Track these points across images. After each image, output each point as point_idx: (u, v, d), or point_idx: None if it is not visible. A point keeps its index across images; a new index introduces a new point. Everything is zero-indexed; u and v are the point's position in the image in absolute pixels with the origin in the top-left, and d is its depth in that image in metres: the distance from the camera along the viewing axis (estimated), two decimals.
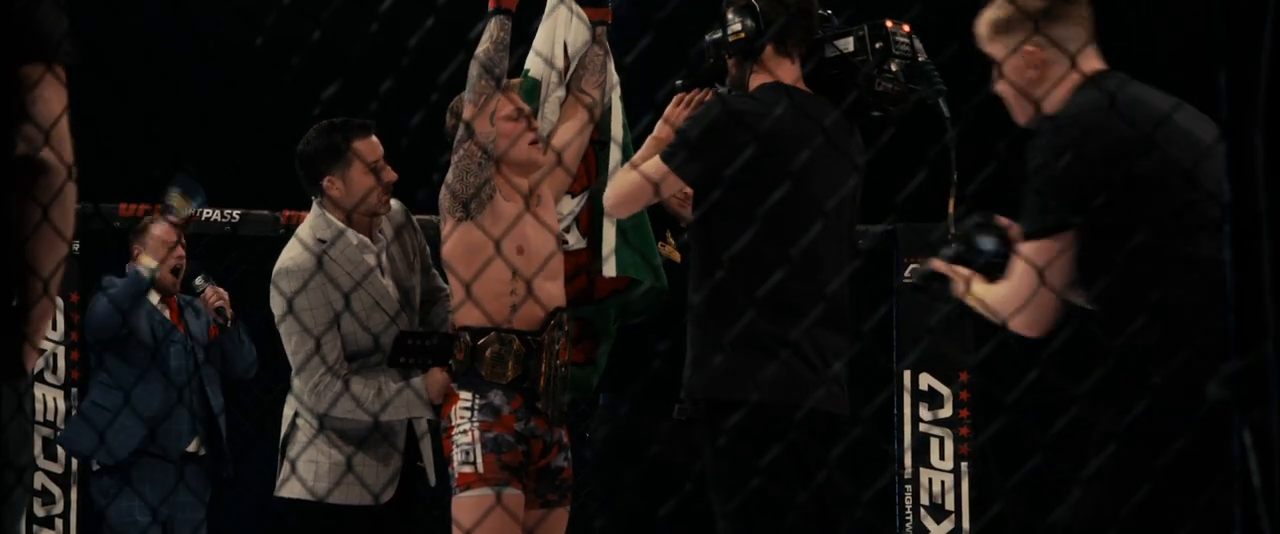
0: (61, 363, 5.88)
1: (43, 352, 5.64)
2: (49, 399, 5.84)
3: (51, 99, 2.23)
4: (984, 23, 3.14)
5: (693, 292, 3.87)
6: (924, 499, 6.05)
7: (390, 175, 4.32)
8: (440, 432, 4.17)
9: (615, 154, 4.35)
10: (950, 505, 6.05)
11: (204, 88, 6.55)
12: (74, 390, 5.87)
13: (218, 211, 5.85)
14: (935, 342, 5.94)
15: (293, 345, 4.23)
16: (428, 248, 4.47)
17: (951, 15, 3.22)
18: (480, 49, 4.12)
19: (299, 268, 4.21)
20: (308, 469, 4.23)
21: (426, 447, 4.35)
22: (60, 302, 5.71)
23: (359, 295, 4.22)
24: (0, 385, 2.23)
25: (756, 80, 3.93)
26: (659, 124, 4.12)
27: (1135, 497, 2.77)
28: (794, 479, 3.73)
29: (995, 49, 3.11)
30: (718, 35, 3.98)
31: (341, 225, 4.29)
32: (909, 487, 6.05)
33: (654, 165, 3.86)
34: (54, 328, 5.82)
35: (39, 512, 5.82)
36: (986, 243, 3.15)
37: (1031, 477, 2.80)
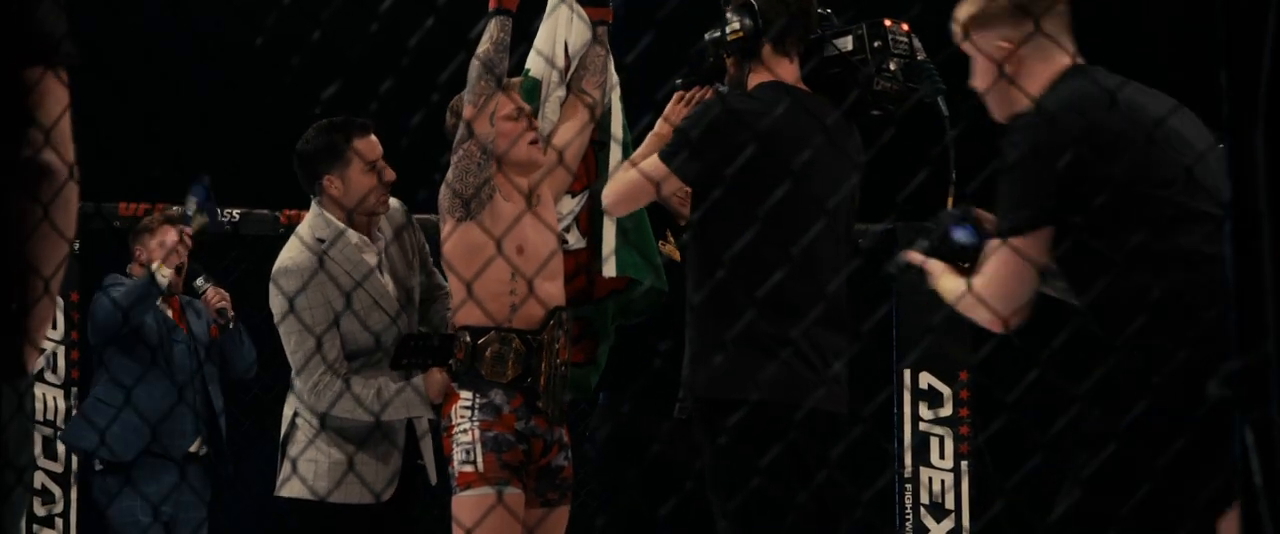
0: (61, 362, 5.88)
1: (43, 351, 5.64)
2: (49, 398, 5.84)
3: (53, 99, 2.23)
4: (959, 18, 3.13)
5: (691, 291, 3.87)
6: (924, 498, 6.06)
7: (389, 175, 4.32)
8: (440, 431, 4.17)
9: (615, 153, 4.35)
10: (950, 504, 6.05)
11: (204, 87, 6.54)
12: (74, 390, 5.87)
13: (219, 211, 5.85)
14: (936, 341, 5.94)
15: (292, 345, 4.23)
16: (427, 246, 4.47)
17: (951, 14, 3.22)
18: (480, 49, 4.13)
19: (298, 267, 4.22)
20: (308, 468, 4.23)
21: (427, 446, 4.35)
22: (60, 301, 5.71)
23: (358, 294, 4.23)
24: (1, 385, 2.23)
25: (755, 79, 3.93)
26: (659, 122, 4.12)
27: (1124, 491, 2.76)
28: (794, 479, 3.72)
29: (970, 46, 3.10)
30: (717, 34, 3.98)
31: (341, 225, 4.29)
32: (909, 486, 6.05)
33: (653, 164, 3.86)
34: (54, 327, 5.82)
35: (39, 511, 5.82)
36: (961, 235, 3.13)
37: (1031, 476, 2.79)
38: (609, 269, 4.32)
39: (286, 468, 4.28)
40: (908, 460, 6.05)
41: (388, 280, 4.32)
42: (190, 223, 5.41)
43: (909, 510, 6.05)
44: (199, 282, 5.72)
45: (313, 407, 4.22)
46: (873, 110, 3.96)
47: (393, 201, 4.38)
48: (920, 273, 3.22)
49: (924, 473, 6.06)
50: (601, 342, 4.46)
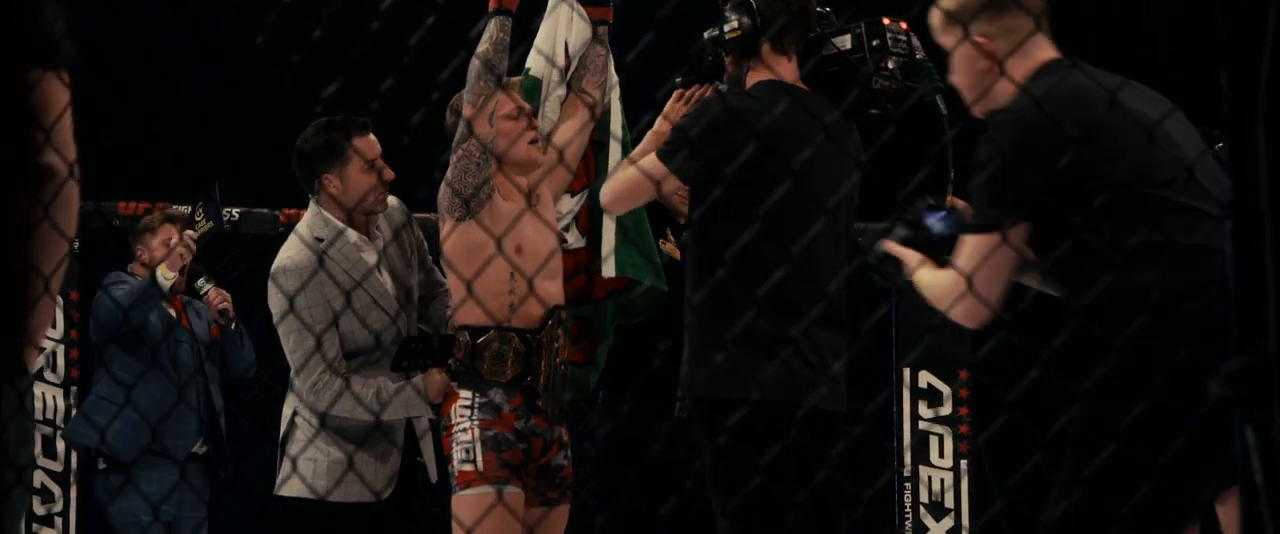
0: (61, 361, 5.88)
1: (42, 350, 5.64)
2: (48, 397, 5.84)
3: (54, 99, 2.24)
4: (936, 13, 3.12)
5: (690, 289, 3.87)
6: (924, 497, 6.06)
7: (388, 174, 4.32)
8: (440, 430, 4.17)
9: (615, 151, 4.35)
10: (950, 503, 6.05)
11: (204, 86, 6.54)
12: (74, 389, 5.87)
13: (224, 216, 5.85)
14: (935, 340, 5.94)
15: (291, 344, 4.23)
16: (425, 243, 4.47)
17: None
18: (480, 49, 4.13)
19: (296, 267, 4.21)
20: (307, 467, 4.23)
21: (427, 444, 4.35)
22: (59, 300, 5.71)
23: (357, 293, 4.23)
24: (1, 384, 2.23)
25: (754, 78, 3.93)
26: (659, 120, 4.12)
27: (1119, 490, 2.75)
28: (794, 478, 3.72)
29: (947, 40, 3.09)
30: (715, 33, 3.98)
31: (339, 224, 4.29)
32: (908, 485, 6.05)
33: (651, 162, 3.86)
34: (53, 326, 5.82)
35: (39, 510, 5.82)
36: (936, 225, 3.12)
37: (1031, 476, 2.79)
38: (608, 269, 4.32)
39: (286, 467, 4.27)
40: (907, 459, 6.05)
41: (386, 279, 4.32)
42: (195, 226, 5.42)
43: (908, 509, 6.05)
44: (201, 282, 5.72)
45: (312, 406, 4.22)
46: (871, 109, 3.96)
47: (391, 200, 4.38)
48: (897, 263, 3.20)
49: (923, 472, 6.06)
50: (600, 342, 4.46)
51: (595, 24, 4.35)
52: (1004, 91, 2.97)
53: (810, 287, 3.76)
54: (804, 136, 3.76)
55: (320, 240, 4.25)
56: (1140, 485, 2.69)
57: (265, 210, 5.99)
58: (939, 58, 3.90)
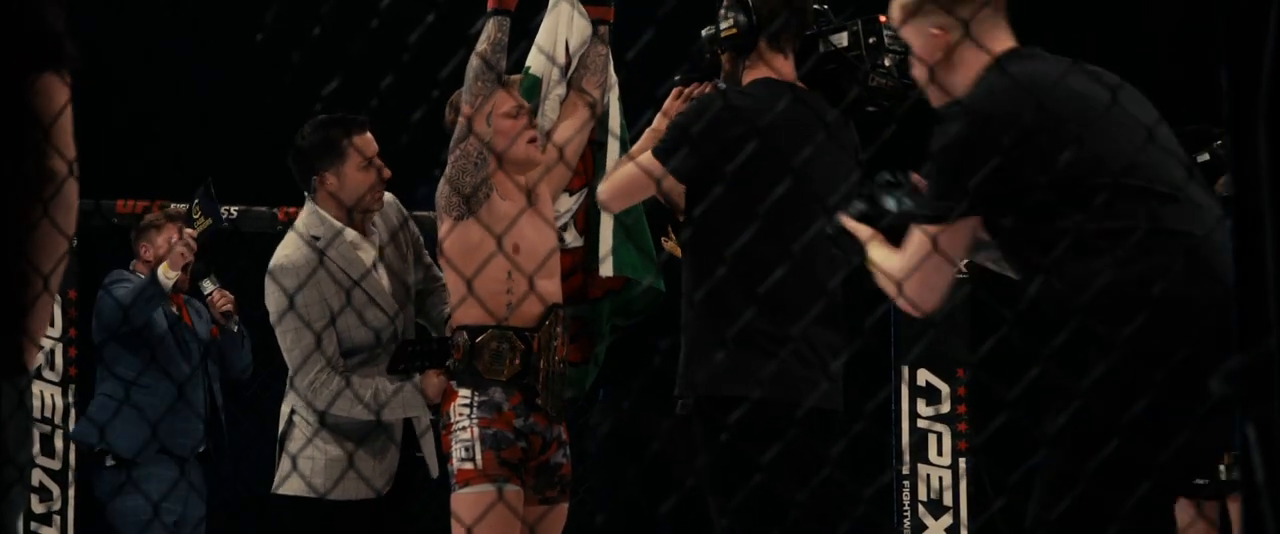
0: (59, 359, 5.88)
1: (41, 348, 5.64)
2: (47, 395, 5.83)
3: (54, 99, 2.24)
4: (895, 6, 3.11)
5: (688, 287, 3.87)
6: (922, 495, 6.06)
7: (385, 172, 4.31)
8: (439, 428, 4.17)
9: (613, 148, 4.35)
10: (948, 501, 6.05)
11: (203, 84, 6.54)
12: (72, 387, 5.87)
13: (222, 213, 5.85)
14: (934, 338, 5.94)
15: (288, 342, 4.23)
16: (421, 238, 4.46)
17: None
18: (478, 48, 4.12)
19: (293, 265, 4.21)
20: (306, 465, 4.23)
21: (428, 441, 4.35)
22: (58, 298, 5.70)
23: (354, 292, 4.22)
24: (1, 382, 2.23)
25: (750, 75, 3.93)
26: (658, 117, 4.12)
27: (1104, 480, 2.73)
28: (793, 477, 3.72)
29: (906, 32, 3.08)
30: (712, 31, 3.98)
31: (336, 222, 4.29)
32: (907, 483, 6.05)
33: (648, 160, 3.86)
34: (52, 324, 5.81)
35: (37, 508, 5.82)
36: (891, 203, 3.10)
37: (1030, 475, 2.79)
38: (606, 269, 4.32)
39: (285, 465, 4.27)
40: (906, 457, 6.05)
41: (384, 277, 4.32)
42: (194, 225, 5.41)
43: (907, 507, 6.05)
44: (205, 283, 5.72)
45: (310, 404, 4.22)
46: (868, 107, 3.96)
47: (387, 197, 4.38)
48: (853, 238, 3.18)
49: (922, 470, 6.06)
50: (597, 341, 4.46)
51: (596, 23, 4.35)
52: (961, 83, 2.96)
53: (808, 285, 3.76)
54: (802, 134, 3.76)
55: (317, 239, 4.25)
56: (1115, 474, 2.68)
57: (264, 208, 5.99)
58: None
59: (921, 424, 6.08)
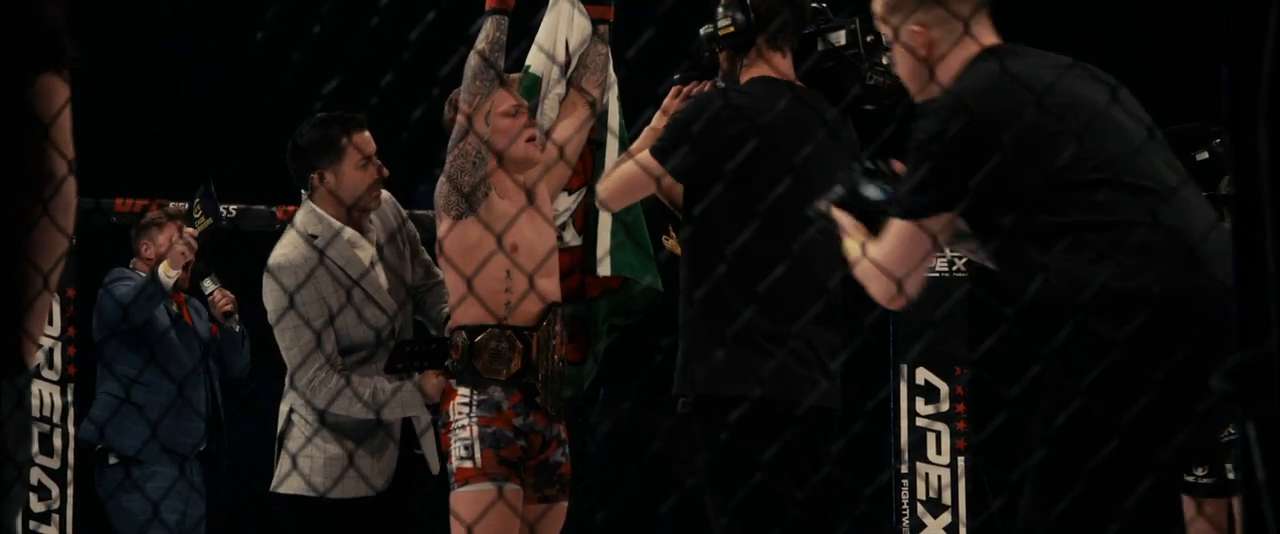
0: (58, 358, 5.88)
1: (40, 346, 5.64)
2: (46, 394, 5.83)
3: (54, 98, 2.24)
4: (877, 3, 3.11)
5: (685, 285, 3.87)
6: (921, 494, 6.06)
7: (382, 171, 4.31)
8: (439, 426, 4.17)
9: (612, 147, 4.35)
10: (947, 500, 6.05)
11: (203, 83, 6.54)
12: (71, 385, 5.87)
13: (222, 212, 5.85)
14: (933, 336, 5.94)
15: (287, 341, 4.23)
16: (417, 234, 4.47)
17: None
18: (477, 47, 4.12)
19: (291, 264, 4.21)
20: (305, 464, 4.23)
21: (428, 439, 4.35)
22: (57, 296, 5.70)
23: (353, 291, 4.22)
24: (0, 380, 2.23)
25: (748, 74, 3.93)
26: (657, 115, 4.12)
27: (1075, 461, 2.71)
28: (792, 475, 3.72)
29: (887, 29, 3.08)
30: (710, 29, 3.98)
31: (333, 220, 4.29)
32: (906, 481, 6.05)
33: (647, 158, 3.86)
34: (50, 323, 5.81)
35: (36, 507, 5.82)
36: (871, 191, 3.09)
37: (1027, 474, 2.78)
38: (604, 269, 4.32)
39: (284, 464, 4.27)
40: (905, 456, 6.05)
41: (382, 275, 4.32)
42: (194, 224, 5.41)
43: (906, 506, 6.05)
44: (206, 283, 5.73)
45: (310, 402, 4.22)
46: (867, 105, 3.96)
47: (384, 195, 4.38)
48: (833, 223, 3.18)
49: (921, 468, 6.06)
50: (595, 341, 4.46)
51: (596, 22, 4.35)
52: (942, 79, 2.96)
53: (807, 284, 3.76)
54: (801, 133, 3.76)
55: (315, 237, 4.25)
56: (1104, 471, 2.67)
57: (263, 207, 5.99)
58: None
59: (920, 423, 6.08)
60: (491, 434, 4.05)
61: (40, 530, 5.85)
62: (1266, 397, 1.60)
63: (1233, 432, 3.37)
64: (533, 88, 4.34)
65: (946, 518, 6.04)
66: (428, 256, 4.46)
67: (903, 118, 2.90)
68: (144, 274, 5.63)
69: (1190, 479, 4.81)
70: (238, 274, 5.74)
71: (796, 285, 3.74)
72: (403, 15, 2.72)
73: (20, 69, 2.22)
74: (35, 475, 5.81)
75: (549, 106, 4.36)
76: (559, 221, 4.36)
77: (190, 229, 5.43)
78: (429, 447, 4.35)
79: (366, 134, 4.31)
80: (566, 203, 4.40)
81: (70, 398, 5.85)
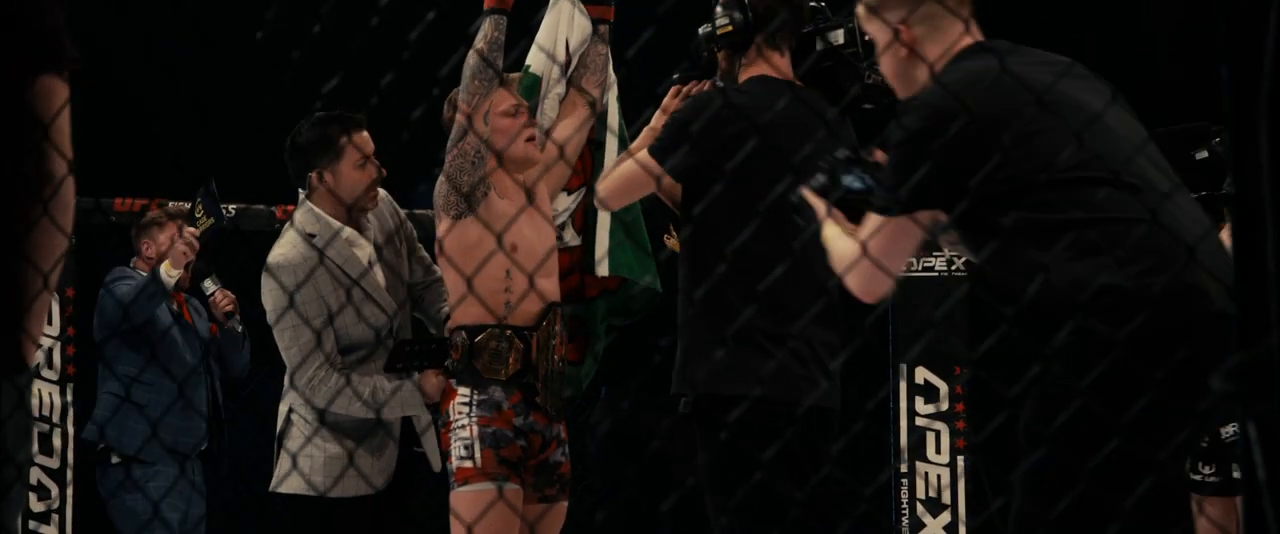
0: (57, 357, 5.88)
1: (40, 346, 5.64)
2: (45, 393, 5.83)
3: (54, 98, 2.24)
4: (861, 3, 3.11)
5: (684, 285, 3.87)
6: (921, 493, 6.06)
7: (380, 171, 4.31)
8: (439, 426, 4.18)
9: (612, 145, 4.35)
10: (947, 499, 6.05)
11: (203, 83, 6.54)
12: (71, 385, 5.87)
13: (223, 212, 5.85)
14: (933, 336, 5.94)
15: (286, 340, 4.23)
16: (414, 233, 4.47)
17: None
18: (475, 46, 4.12)
19: (290, 263, 4.21)
20: (304, 463, 4.23)
21: (429, 438, 4.35)
22: (56, 296, 5.70)
23: (352, 290, 4.22)
24: (0, 380, 2.23)
25: (746, 73, 3.93)
26: (656, 115, 4.12)
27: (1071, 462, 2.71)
28: (791, 475, 3.72)
29: (871, 27, 3.08)
30: (708, 29, 3.98)
31: (331, 219, 4.29)
32: (906, 481, 6.05)
33: (646, 158, 3.86)
34: (49, 322, 5.81)
35: (36, 507, 5.81)
36: (850, 180, 3.08)
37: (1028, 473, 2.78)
38: (603, 269, 4.32)
39: (284, 464, 4.27)
40: (904, 456, 6.05)
41: (380, 274, 4.32)
42: (196, 224, 5.42)
43: (906, 505, 6.05)
44: (207, 283, 5.73)
45: (309, 401, 4.22)
46: (865, 104, 3.96)
47: (381, 194, 4.38)
48: (812, 210, 3.17)
49: (920, 467, 6.06)
50: (593, 341, 4.46)
51: (596, 22, 4.35)
52: (925, 77, 2.96)
53: (807, 284, 3.76)
54: (800, 132, 3.76)
55: (313, 236, 4.25)
56: (1090, 470, 2.66)
57: (262, 207, 5.99)
58: None
59: (920, 422, 6.08)
60: (491, 434, 4.05)
61: (40, 530, 5.85)
62: (1267, 396, 1.60)
63: (1236, 431, 3.37)
64: (533, 87, 4.34)
65: (946, 517, 6.04)
66: (425, 254, 4.46)
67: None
68: (145, 273, 5.63)
69: (1196, 478, 4.82)
70: (237, 274, 5.74)
71: (796, 285, 3.74)
72: (403, 15, 2.72)
73: (20, 70, 2.22)
74: (35, 475, 5.81)
75: (549, 106, 4.36)
76: (558, 221, 4.36)
77: (192, 229, 5.43)
78: (430, 445, 4.35)
79: (365, 134, 4.31)
80: (566, 203, 4.40)
81: (70, 398, 5.85)
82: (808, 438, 3.74)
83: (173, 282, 5.47)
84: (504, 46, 4.12)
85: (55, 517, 5.86)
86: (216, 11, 6.51)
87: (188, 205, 5.56)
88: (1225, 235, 2.30)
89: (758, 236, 3.63)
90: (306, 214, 4.29)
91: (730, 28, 3.90)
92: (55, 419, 5.83)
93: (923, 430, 6.07)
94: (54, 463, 5.86)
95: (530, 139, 4.18)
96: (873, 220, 2.91)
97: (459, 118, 4.10)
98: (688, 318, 3.85)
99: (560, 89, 4.37)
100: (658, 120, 4.10)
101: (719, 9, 3.93)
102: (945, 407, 6.07)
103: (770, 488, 3.69)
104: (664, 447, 4.70)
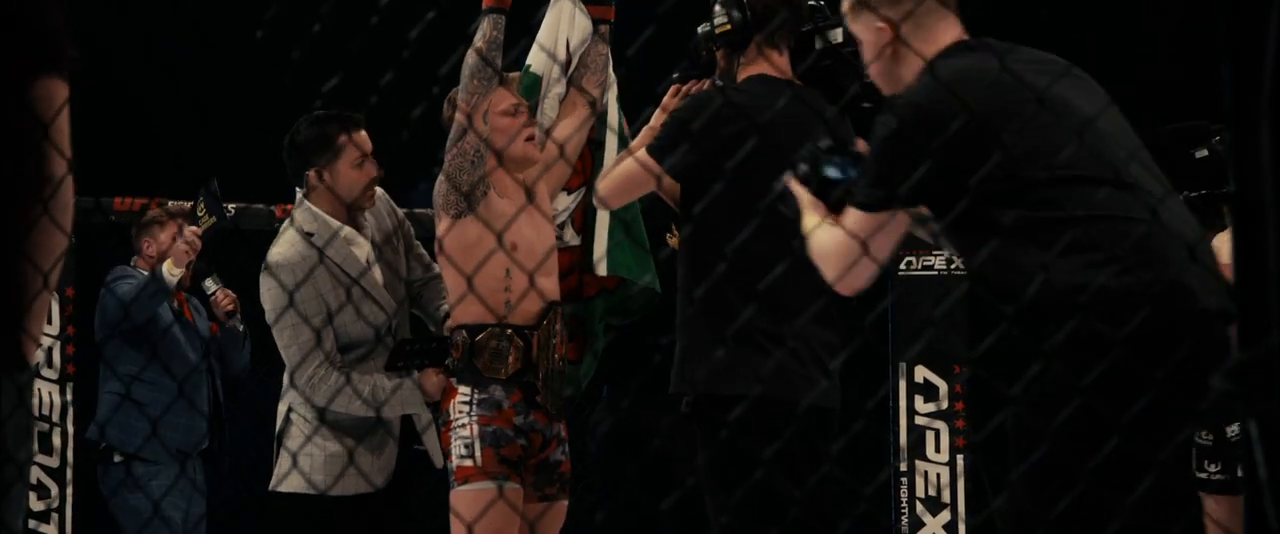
0: (57, 357, 5.88)
1: (40, 345, 5.64)
2: (45, 393, 5.83)
3: (54, 98, 2.24)
4: (844, 2, 3.11)
5: (683, 283, 3.87)
6: (920, 492, 6.06)
7: (376, 171, 4.31)
8: (439, 425, 4.18)
9: (611, 144, 4.35)
10: (947, 498, 6.05)
11: (203, 82, 6.54)
12: (70, 385, 5.86)
13: (225, 211, 5.85)
14: (932, 335, 5.94)
15: (285, 339, 4.23)
16: (412, 229, 4.47)
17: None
18: (474, 45, 4.11)
19: (289, 262, 4.21)
20: (305, 462, 4.23)
21: (430, 437, 4.35)
22: (56, 296, 5.70)
23: (350, 288, 4.22)
24: (0, 378, 2.23)
25: (745, 72, 3.93)
26: (655, 114, 4.12)
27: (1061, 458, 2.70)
28: (791, 474, 3.72)
29: (855, 27, 3.08)
30: (706, 28, 3.98)
31: (328, 218, 4.29)
32: (905, 479, 6.05)
33: (645, 157, 3.86)
34: (49, 322, 5.81)
35: (35, 506, 5.82)
36: (831, 170, 3.08)
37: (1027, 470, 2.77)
38: (601, 269, 4.32)
39: (284, 463, 4.27)
40: (904, 454, 6.05)
41: (378, 272, 4.32)
42: (198, 222, 5.42)
43: (905, 504, 6.05)
44: (208, 282, 5.73)
45: (309, 400, 4.22)
46: (864, 103, 3.96)
47: (377, 192, 4.38)
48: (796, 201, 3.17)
49: (920, 467, 6.06)
50: (591, 341, 4.46)
51: (596, 22, 4.35)
52: (909, 75, 2.96)
53: (805, 283, 3.75)
54: (799, 131, 3.76)
55: (311, 235, 4.25)
56: (1074, 471, 2.65)
57: (262, 206, 5.99)
58: None
59: (919, 421, 6.08)
60: (492, 433, 4.05)
61: (40, 529, 5.85)
62: (1268, 395, 1.60)
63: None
64: (533, 87, 4.34)
65: (946, 516, 6.05)
66: (423, 252, 4.47)
67: None
68: (145, 272, 5.63)
69: (1202, 476, 4.82)
70: (237, 273, 5.74)
71: (795, 284, 3.74)
72: (403, 14, 2.72)
73: (20, 70, 2.22)
74: (34, 474, 5.81)
75: (549, 106, 4.36)
76: (558, 221, 4.36)
77: (193, 227, 5.43)
78: (431, 442, 4.35)
79: (363, 133, 4.32)
80: (566, 202, 4.40)
81: (69, 397, 5.85)
82: (807, 437, 3.74)
83: (175, 280, 5.47)
84: (503, 45, 4.12)
85: (55, 516, 5.86)
86: (216, 11, 6.51)
87: (189, 204, 5.56)
88: (1226, 236, 2.29)
89: (757, 236, 3.63)
90: (305, 213, 4.29)
91: (729, 26, 3.90)
92: (55, 418, 5.83)
93: (922, 429, 6.07)
94: (54, 462, 5.86)
95: (530, 138, 4.18)
96: (850, 214, 2.92)
97: (458, 117, 4.10)
98: (687, 317, 3.85)
99: (560, 88, 4.37)
100: (657, 119, 4.09)
101: (717, 7, 3.93)
102: (945, 405, 6.07)
103: (770, 487, 3.69)
104: (664, 446, 4.70)
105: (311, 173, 4.29)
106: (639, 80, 4.25)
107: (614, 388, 4.87)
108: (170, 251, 5.49)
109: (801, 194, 3.10)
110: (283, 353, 4.26)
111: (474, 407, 4.07)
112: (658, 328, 4.45)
